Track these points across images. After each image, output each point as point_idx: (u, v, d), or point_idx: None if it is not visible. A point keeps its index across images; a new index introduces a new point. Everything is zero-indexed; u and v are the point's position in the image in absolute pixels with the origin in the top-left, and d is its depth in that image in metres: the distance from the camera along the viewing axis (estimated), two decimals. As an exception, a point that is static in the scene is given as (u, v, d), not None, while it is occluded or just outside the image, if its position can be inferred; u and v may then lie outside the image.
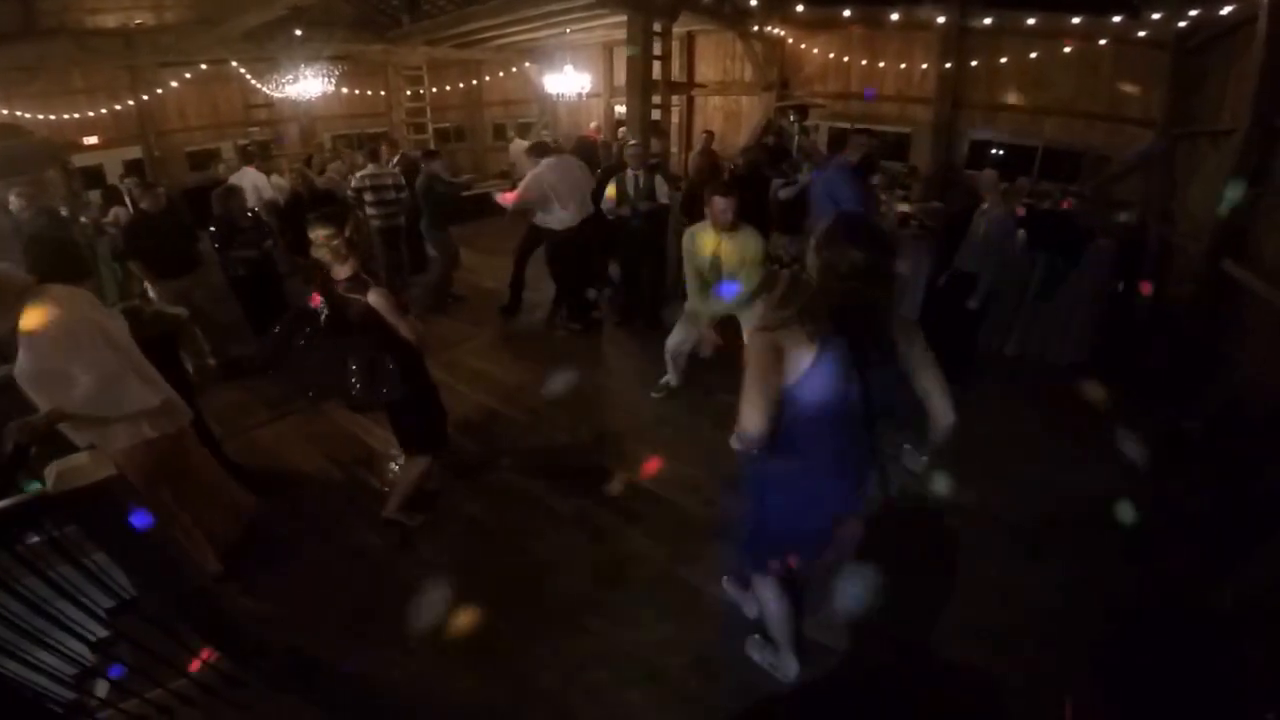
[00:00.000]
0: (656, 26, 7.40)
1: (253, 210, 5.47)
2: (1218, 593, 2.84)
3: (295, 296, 5.80)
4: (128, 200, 6.69)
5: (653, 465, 3.98)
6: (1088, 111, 7.58)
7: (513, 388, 4.90)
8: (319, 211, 3.02)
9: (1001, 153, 8.44)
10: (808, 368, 1.85)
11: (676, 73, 10.30)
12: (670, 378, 4.75)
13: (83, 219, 6.49)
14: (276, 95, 9.74)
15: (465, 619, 2.90)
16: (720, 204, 3.88)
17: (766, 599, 2.49)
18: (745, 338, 4.06)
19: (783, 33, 9.44)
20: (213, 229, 5.10)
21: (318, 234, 2.87)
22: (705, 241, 4.06)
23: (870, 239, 1.84)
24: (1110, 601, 2.94)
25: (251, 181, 6.82)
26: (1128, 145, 7.16)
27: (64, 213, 6.42)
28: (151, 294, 4.96)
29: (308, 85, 9.36)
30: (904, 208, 6.58)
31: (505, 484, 3.83)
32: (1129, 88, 7.09)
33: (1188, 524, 3.37)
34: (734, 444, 1.99)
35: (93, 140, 9.17)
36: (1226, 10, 5.03)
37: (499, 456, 4.08)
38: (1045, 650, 2.64)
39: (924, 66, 8.58)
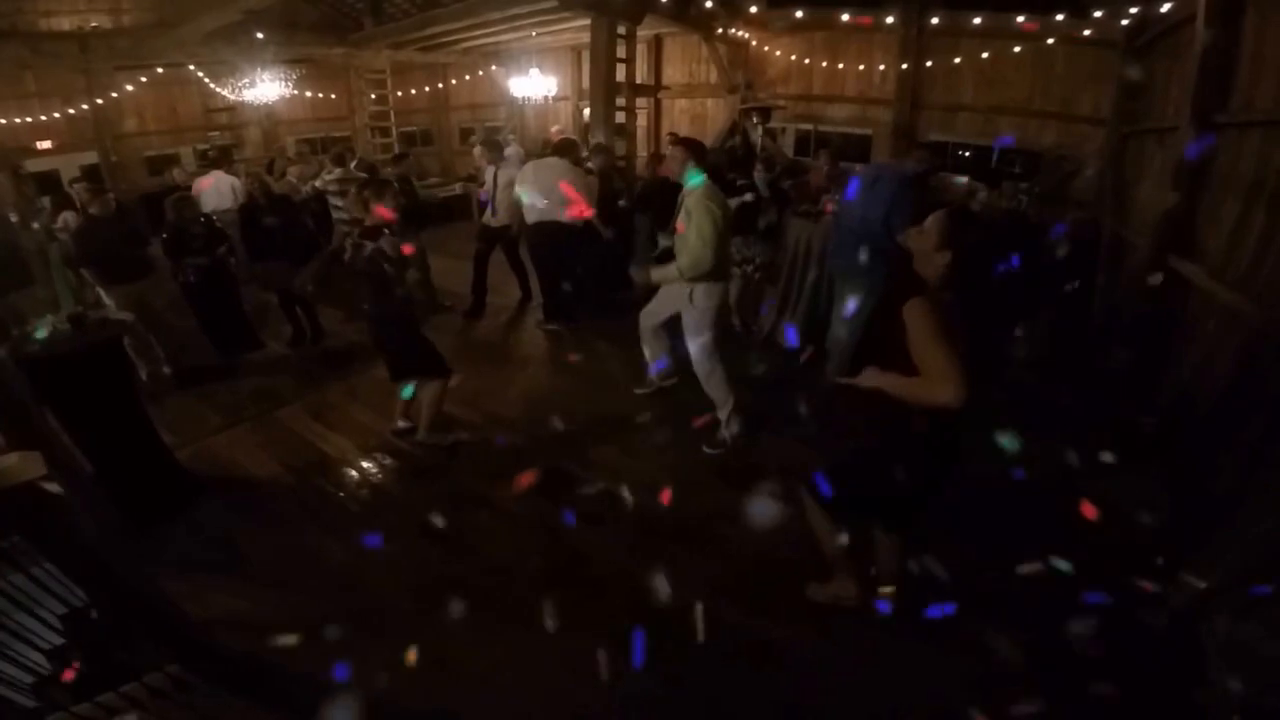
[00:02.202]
0: (621, 29, 7.43)
1: (205, 216, 5.38)
2: (1171, 589, 2.86)
3: (252, 302, 5.77)
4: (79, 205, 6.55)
5: (612, 466, 3.97)
6: (1042, 111, 7.72)
7: (472, 392, 4.85)
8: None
9: (968, 154, 8.59)
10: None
11: (644, 75, 10.34)
12: (652, 369, 4.67)
13: (35, 225, 6.37)
14: (232, 99, 9.60)
15: (419, 621, 2.90)
16: (670, 151, 3.93)
17: (823, 525, 2.67)
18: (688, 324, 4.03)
19: (746, 35, 9.54)
20: (164, 235, 5.01)
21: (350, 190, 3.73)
22: (678, 201, 3.95)
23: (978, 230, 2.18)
24: (1063, 596, 2.91)
25: (229, 184, 6.74)
26: (1080, 144, 7.30)
27: (13, 218, 6.31)
28: (106, 300, 4.87)
29: (264, 89, 9.22)
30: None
31: (461, 487, 3.80)
32: (1081, 87, 7.25)
33: (1143, 520, 3.38)
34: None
35: (46, 145, 8.99)
36: (1166, 8, 5.13)
37: (455, 459, 4.06)
38: (995, 645, 2.64)
39: (882, 68, 8.73)
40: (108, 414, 3.47)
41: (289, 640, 2.79)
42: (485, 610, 2.93)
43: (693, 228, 3.71)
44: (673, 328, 4.37)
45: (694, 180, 3.79)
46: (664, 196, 5.62)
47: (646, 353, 4.65)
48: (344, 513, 3.66)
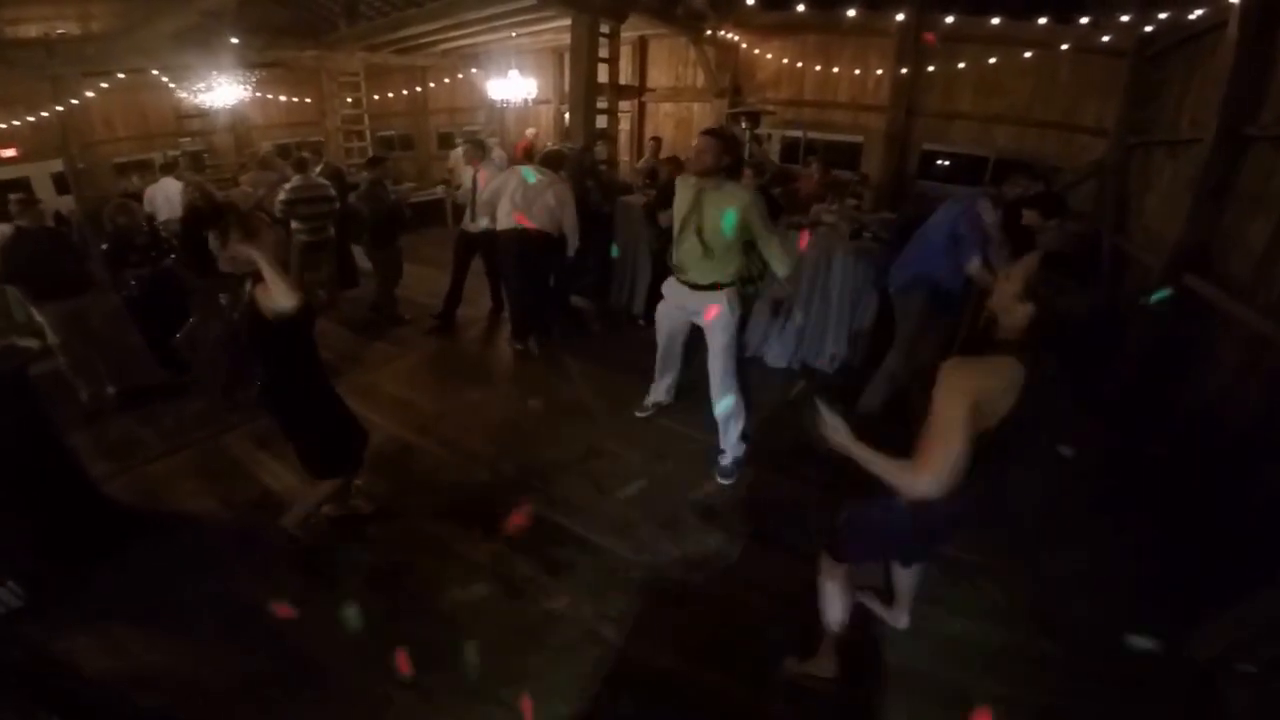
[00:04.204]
0: (604, 29, 7.14)
1: (149, 223, 5.03)
2: (1195, 643, 2.67)
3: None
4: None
5: (580, 504, 3.64)
6: (1041, 120, 7.49)
7: (432, 416, 4.49)
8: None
9: (948, 162, 8.38)
10: (1010, 403, 1.83)
11: (628, 77, 10.06)
12: (654, 394, 4.44)
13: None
14: (189, 103, 9.26)
15: (357, 684, 2.57)
16: (699, 142, 3.41)
17: (831, 588, 2.42)
18: (715, 338, 3.68)
19: (736, 38, 9.26)
20: (104, 246, 4.65)
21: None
22: (682, 195, 3.58)
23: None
24: (1073, 645, 2.76)
25: (165, 194, 6.39)
26: (1080, 155, 7.07)
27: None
28: (38, 318, 4.50)
29: (223, 93, 8.86)
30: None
31: (413, 528, 3.44)
32: (1085, 96, 7.00)
33: (1155, 559, 3.18)
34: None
35: (10, 153, 8.66)
36: (1196, 14, 4.83)
37: (408, 496, 3.69)
38: (999, 696, 2.44)
39: (879, 72, 8.43)
40: (18, 449, 3.12)
41: (209, 699, 2.52)
42: (432, 673, 2.60)
43: (759, 226, 3.41)
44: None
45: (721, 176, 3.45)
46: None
47: (658, 377, 4.37)
48: (283, 556, 3.25)
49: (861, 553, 2.46)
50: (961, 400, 1.75)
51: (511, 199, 5.07)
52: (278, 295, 2.59)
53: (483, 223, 5.57)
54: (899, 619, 2.81)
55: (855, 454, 1.89)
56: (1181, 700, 2.55)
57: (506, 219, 5.11)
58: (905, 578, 2.72)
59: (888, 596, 2.85)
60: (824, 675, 2.55)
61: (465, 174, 5.90)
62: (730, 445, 3.89)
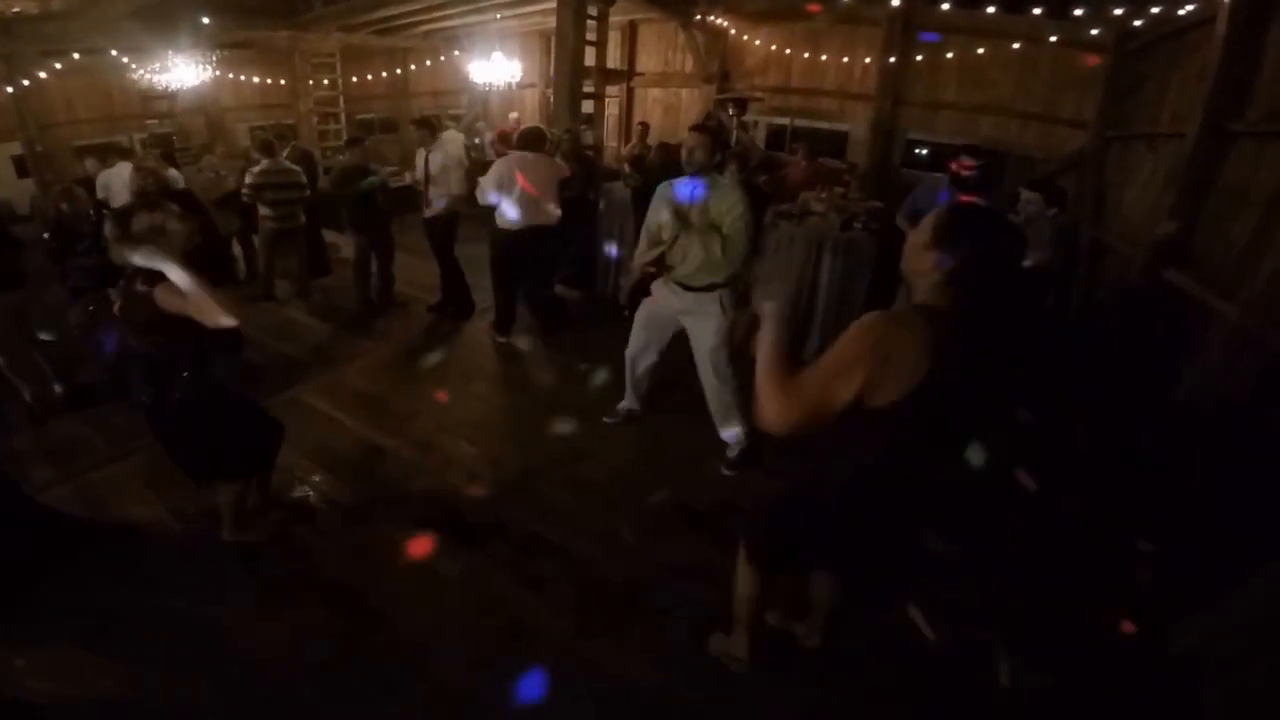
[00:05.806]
0: (592, 11, 6.89)
1: (96, 210, 4.68)
2: (1178, 634, 2.62)
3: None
4: None
5: (561, 511, 3.43)
6: (1024, 112, 7.48)
7: (403, 416, 4.25)
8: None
9: (925, 151, 8.33)
10: (921, 381, 1.52)
11: (617, 62, 9.85)
12: (628, 401, 4.20)
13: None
14: (152, 85, 8.87)
15: (319, 713, 2.38)
16: (691, 139, 3.32)
17: (746, 577, 2.24)
18: (706, 339, 3.55)
19: (726, 23, 9.07)
20: (45, 235, 4.32)
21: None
22: (666, 195, 3.51)
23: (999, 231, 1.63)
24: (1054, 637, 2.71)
25: (122, 180, 6.03)
26: (1060, 146, 7.09)
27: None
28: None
29: (184, 73, 8.47)
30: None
31: (380, 539, 3.21)
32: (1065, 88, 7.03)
33: (1137, 553, 3.09)
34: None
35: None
36: (1186, 10, 4.83)
37: (375, 504, 3.46)
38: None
39: (867, 61, 8.33)
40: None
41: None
42: (397, 700, 2.42)
43: (738, 223, 3.30)
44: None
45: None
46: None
47: (630, 384, 4.14)
48: (237, 572, 3.03)
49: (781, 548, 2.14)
50: (863, 338, 1.55)
51: (520, 198, 4.76)
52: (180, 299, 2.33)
53: (439, 205, 5.42)
54: (811, 636, 2.57)
55: (763, 349, 1.68)
56: (1155, 692, 2.51)
57: (519, 216, 4.84)
58: (825, 583, 2.46)
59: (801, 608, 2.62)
60: (736, 658, 2.47)
61: (418, 157, 5.62)
62: (734, 438, 3.78)
